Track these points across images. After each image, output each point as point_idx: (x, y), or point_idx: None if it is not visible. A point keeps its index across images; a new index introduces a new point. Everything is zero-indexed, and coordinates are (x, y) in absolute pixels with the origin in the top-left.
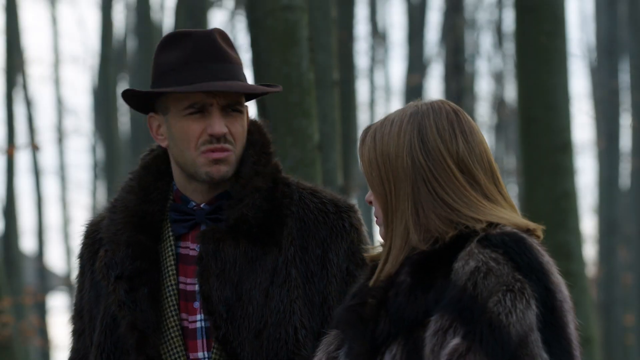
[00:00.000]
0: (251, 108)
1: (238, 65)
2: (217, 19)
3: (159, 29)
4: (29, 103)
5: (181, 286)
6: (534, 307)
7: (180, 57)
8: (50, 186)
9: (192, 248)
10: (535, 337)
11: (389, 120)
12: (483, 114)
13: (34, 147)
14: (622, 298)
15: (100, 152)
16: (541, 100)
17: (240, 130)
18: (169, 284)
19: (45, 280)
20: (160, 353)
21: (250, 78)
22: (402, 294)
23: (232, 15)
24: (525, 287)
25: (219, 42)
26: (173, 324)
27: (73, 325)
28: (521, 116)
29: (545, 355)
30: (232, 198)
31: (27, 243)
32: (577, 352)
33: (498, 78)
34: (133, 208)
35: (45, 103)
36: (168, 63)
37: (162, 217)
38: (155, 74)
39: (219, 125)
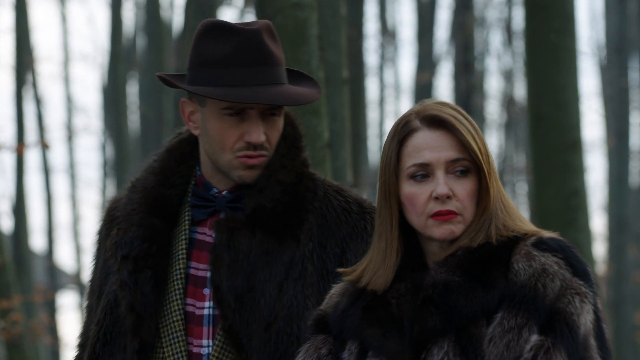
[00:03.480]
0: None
1: (281, 65)
2: (226, 17)
3: (168, 27)
4: (38, 101)
5: (192, 271)
6: (592, 312)
7: (223, 54)
8: (60, 184)
9: (208, 234)
10: (593, 343)
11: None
12: (493, 112)
13: (44, 145)
14: (632, 296)
15: (110, 150)
16: (551, 98)
17: (277, 134)
18: (176, 268)
19: (55, 279)
20: (155, 338)
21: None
22: (457, 292)
23: (242, 13)
24: (588, 293)
25: (265, 42)
26: (175, 307)
27: (87, 301)
28: (531, 114)
29: None
30: (254, 187)
31: (36, 241)
32: None
33: (508, 76)
34: (151, 189)
35: (55, 101)
36: (210, 56)
37: (181, 202)
38: (194, 63)
39: (257, 133)
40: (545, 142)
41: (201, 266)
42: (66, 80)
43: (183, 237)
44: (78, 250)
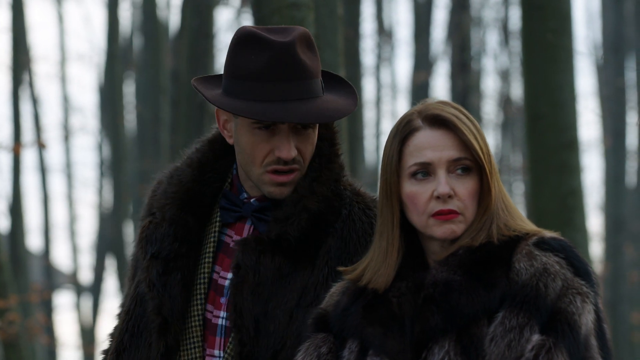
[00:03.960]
0: None
1: (315, 78)
2: (223, 16)
3: (165, 26)
4: (35, 101)
5: (214, 276)
6: (593, 312)
7: (255, 68)
8: (57, 184)
9: (234, 239)
10: (594, 342)
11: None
12: (489, 111)
13: (40, 145)
14: (629, 296)
15: (107, 150)
16: (547, 98)
17: (310, 148)
18: (202, 271)
19: (52, 278)
20: (179, 341)
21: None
22: (459, 291)
23: (238, 13)
24: (589, 293)
25: (298, 56)
26: (196, 313)
27: (128, 275)
28: (527, 114)
29: None
30: (281, 208)
31: (33, 241)
32: None
33: (504, 76)
34: (186, 184)
35: (51, 101)
36: (243, 69)
37: (214, 200)
38: (228, 73)
39: (287, 149)
40: (542, 141)
41: (222, 273)
42: (63, 80)
43: (212, 238)
44: (74, 250)
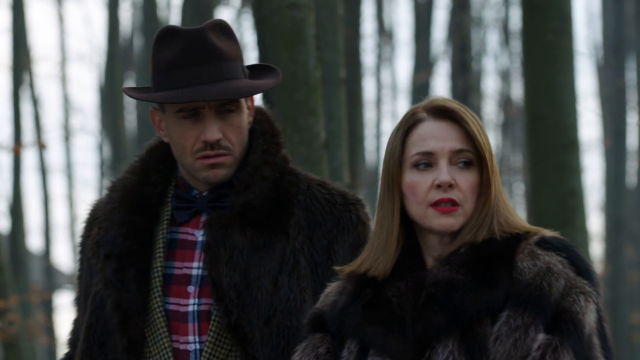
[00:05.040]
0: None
1: (232, 61)
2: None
3: None
4: (35, 101)
5: (175, 271)
6: (595, 311)
7: (171, 58)
8: (57, 184)
9: (191, 233)
10: (596, 342)
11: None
12: (490, 112)
13: (41, 146)
14: (629, 296)
15: (107, 150)
16: (548, 98)
17: (237, 131)
18: (156, 266)
19: (52, 279)
20: (145, 335)
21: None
22: (462, 290)
23: (239, 13)
24: (592, 292)
25: (210, 40)
26: (156, 305)
27: (76, 302)
28: (527, 114)
29: None
30: (237, 185)
31: (33, 241)
32: None
33: (505, 76)
34: (131, 188)
35: (51, 101)
36: (161, 61)
37: (161, 201)
38: (152, 71)
39: (211, 131)
40: (542, 142)
41: (185, 264)
42: (63, 80)
43: (161, 236)
44: (75, 250)
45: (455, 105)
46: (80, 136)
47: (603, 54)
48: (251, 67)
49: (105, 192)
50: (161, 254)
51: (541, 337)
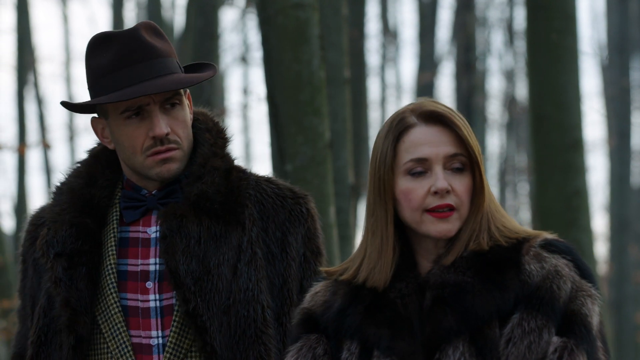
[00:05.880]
0: (262, 106)
1: (168, 57)
2: (228, 17)
3: (170, 27)
4: (40, 101)
5: (129, 268)
6: (598, 314)
7: (108, 62)
8: None
9: (142, 231)
10: (599, 345)
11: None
12: (494, 112)
13: (45, 145)
14: (634, 296)
15: None
16: (552, 98)
17: (182, 125)
18: (108, 264)
19: None
20: (92, 333)
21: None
22: (472, 293)
23: (243, 13)
24: (596, 295)
25: (145, 39)
26: (112, 302)
27: (19, 319)
28: (532, 114)
29: None
30: (189, 177)
31: None
32: None
33: (509, 76)
34: (79, 191)
35: (56, 101)
36: (99, 67)
37: (109, 203)
38: (89, 79)
39: (159, 126)
40: (546, 142)
41: (141, 261)
42: (67, 80)
43: (112, 235)
44: None
45: (445, 109)
46: (85, 136)
47: (607, 53)
48: (187, 67)
49: (51, 196)
50: (113, 252)
51: (556, 339)
